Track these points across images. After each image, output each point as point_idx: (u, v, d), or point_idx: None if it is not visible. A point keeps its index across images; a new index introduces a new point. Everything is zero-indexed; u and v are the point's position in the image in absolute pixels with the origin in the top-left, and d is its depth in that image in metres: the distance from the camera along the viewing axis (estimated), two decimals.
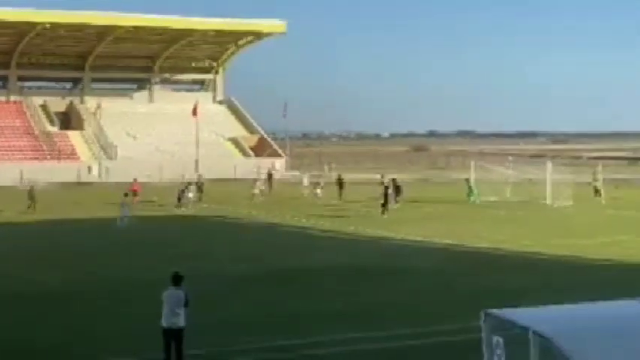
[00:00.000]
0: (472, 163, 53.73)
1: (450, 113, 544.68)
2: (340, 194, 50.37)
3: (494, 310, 9.58)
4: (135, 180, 50.89)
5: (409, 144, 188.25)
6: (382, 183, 43.51)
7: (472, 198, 48.45)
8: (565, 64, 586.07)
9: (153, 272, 23.05)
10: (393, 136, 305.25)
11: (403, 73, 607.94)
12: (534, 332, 8.64)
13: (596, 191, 50.15)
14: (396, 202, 44.24)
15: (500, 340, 9.25)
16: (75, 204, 49.34)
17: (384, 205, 40.54)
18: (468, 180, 51.09)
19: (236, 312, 19.19)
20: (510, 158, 56.95)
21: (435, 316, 18.58)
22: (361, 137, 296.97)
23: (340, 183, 51.66)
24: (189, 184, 48.48)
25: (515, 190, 49.79)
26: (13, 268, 25.86)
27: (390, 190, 43.12)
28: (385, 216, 39.42)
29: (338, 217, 40.56)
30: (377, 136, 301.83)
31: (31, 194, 43.80)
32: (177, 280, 14.14)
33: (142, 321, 17.15)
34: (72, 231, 36.11)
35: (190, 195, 45.98)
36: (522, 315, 9.37)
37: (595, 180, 51.16)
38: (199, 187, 49.89)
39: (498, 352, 9.26)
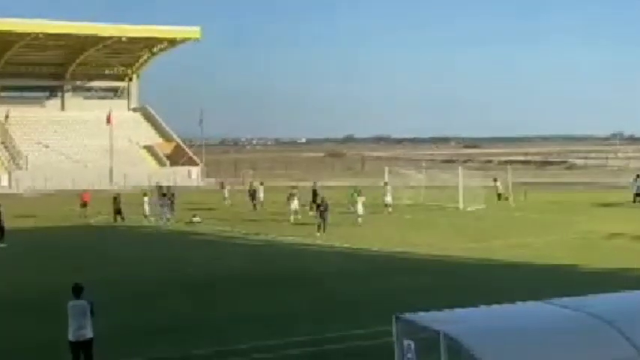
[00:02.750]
0: (386, 168, 54.52)
1: (367, 119, 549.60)
2: (254, 205, 49.18)
3: (406, 314, 9.83)
4: (85, 190, 49.04)
5: (325, 150, 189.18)
6: (313, 200, 39.29)
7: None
8: (474, 68, 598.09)
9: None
10: (309, 141, 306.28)
11: (319, 77, 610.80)
12: (445, 335, 8.90)
13: (499, 195, 51.84)
14: (311, 209, 43.77)
15: (412, 343, 9.49)
16: None
17: (321, 222, 36.10)
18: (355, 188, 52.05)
19: (147, 319, 19.12)
20: (424, 163, 58.03)
21: (345, 321, 18.73)
22: (279, 143, 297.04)
23: (253, 193, 50.32)
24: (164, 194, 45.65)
25: (428, 194, 50.75)
26: None
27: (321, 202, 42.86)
28: (319, 234, 35.20)
29: (251, 222, 40.90)
30: (294, 142, 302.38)
31: None
32: (77, 291, 13.98)
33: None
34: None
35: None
36: (433, 318, 9.63)
37: (497, 185, 53.16)
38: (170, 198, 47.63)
39: (409, 355, 9.50)
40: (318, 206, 37.33)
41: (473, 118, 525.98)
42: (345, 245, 32.37)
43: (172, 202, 44.37)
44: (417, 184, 53.25)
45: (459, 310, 10.49)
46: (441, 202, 48.31)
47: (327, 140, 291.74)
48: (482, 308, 10.76)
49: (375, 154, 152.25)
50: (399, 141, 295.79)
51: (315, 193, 45.72)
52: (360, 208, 39.25)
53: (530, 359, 8.58)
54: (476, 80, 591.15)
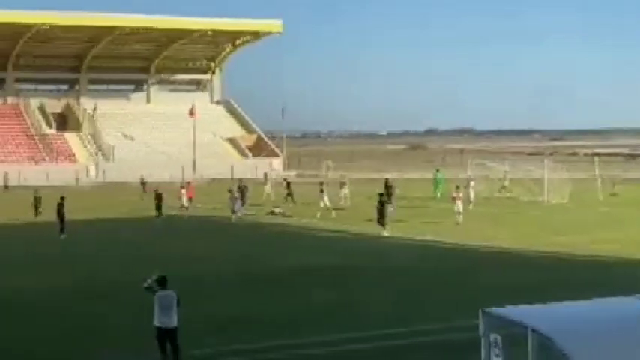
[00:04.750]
0: (469, 162, 53.78)
1: (450, 111, 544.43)
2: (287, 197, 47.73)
3: (492, 309, 9.58)
4: (189, 184, 48.21)
5: (407, 142, 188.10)
6: (381, 195, 35.19)
7: (438, 192, 48.71)
8: (563, 61, 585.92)
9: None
10: (390, 134, 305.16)
11: (402, 71, 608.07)
12: (533, 330, 8.63)
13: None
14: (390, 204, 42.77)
15: (499, 338, 9.25)
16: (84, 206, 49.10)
17: (382, 218, 33.95)
18: (437, 171, 51.64)
19: (232, 311, 19.21)
20: (508, 156, 57.08)
21: (432, 315, 18.56)
22: (359, 136, 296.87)
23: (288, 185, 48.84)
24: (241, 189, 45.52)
25: (512, 187, 49.93)
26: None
27: (390, 197, 42.18)
28: (386, 233, 33.27)
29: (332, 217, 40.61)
30: (375, 135, 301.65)
31: (37, 199, 41.80)
32: (162, 281, 14.43)
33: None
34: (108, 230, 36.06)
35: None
36: (520, 313, 9.36)
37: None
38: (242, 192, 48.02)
39: (496, 350, 9.26)
40: (381, 202, 34.56)
41: (558, 110, 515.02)
42: (427, 239, 32.02)
43: (243, 196, 45.14)
44: (500, 177, 52.39)
45: (547, 305, 10.17)
46: (525, 196, 47.41)
47: (408, 133, 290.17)
48: (571, 303, 10.42)
49: (458, 146, 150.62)
50: (482, 134, 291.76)
51: (388, 187, 44.79)
52: (459, 205, 36.77)
53: None
54: (561, 71, 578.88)
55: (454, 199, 37.03)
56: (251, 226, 38.77)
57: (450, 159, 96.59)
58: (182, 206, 43.59)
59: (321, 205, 40.70)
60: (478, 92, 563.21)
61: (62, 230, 33.79)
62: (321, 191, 41.49)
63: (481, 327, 9.51)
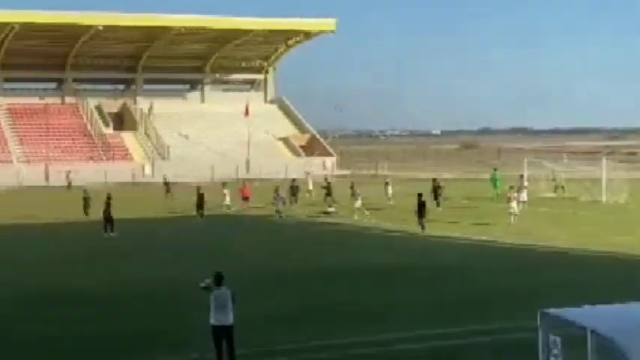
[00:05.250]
0: (525, 160, 53.08)
1: (504, 110, 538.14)
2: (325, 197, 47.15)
3: (551, 310, 9.44)
4: (244, 184, 47.81)
5: (460, 141, 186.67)
6: (420, 195, 34.14)
7: (496, 191, 48.22)
8: (616, 57, 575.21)
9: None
10: (444, 133, 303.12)
11: (456, 69, 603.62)
12: (592, 331, 8.48)
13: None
14: (438, 204, 42.23)
15: (557, 339, 9.10)
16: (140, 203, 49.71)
17: (421, 217, 33.51)
18: (495, 170, 51.29)
19: (281, 310, 19.25)
20: (564, 155, 56.20)
21: (488, 315, 18.38)
22: (413, 135, 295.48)
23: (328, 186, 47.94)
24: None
25: (569, 186, 49.20)
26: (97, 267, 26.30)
27: (438, 197, 41.90)
28: (424, 232, 33.16)
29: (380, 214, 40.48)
30: (428, 134, 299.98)
31: (87, 198, 41.80)
32: (219, 279, 14.36)
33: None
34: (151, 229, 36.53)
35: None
36: (579, 314, 9.21)
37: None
38: (293, 191, 47.75)
39: (555, 352, 9.12)
40: (420, 201, 33.87)
41: (616, 109, 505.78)
42: (482, 238, 31.70)
43: (295, 195, 45.03)
44: (556, 176, 51.65)
45: (606, 306, 9.99)
46: (583, 196, 46.67)
47: (461, 132, 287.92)
48: (631, 304, 10.21)
49: (513, 145, 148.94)
50: (539, 132, 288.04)
51: (435, 187, 44.22)
52: (514, 206, 36.00)
53: None
54: (617, 73, 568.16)
55: (509, 199, 36.60)
56: (297, 224, 38.79)
57: (506, 158, 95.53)
58: (225, 205, 43.69)
59: (356, 205, 40.72)
60: (533, 91, 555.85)
61: (107, 229, 33.77)
62: (352, 194, 41.42)
63: (540, 328, 9.37)
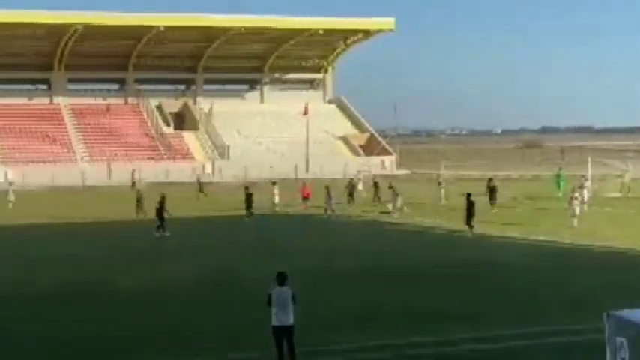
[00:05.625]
0: (589, 160, 52.01)
1: (566, 109, 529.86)
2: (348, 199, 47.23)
3: (617, 312, 9.16)
4: (304, 184, 47.21)
5: (521, 140, 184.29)
6: (469, 195, 33.09)
7: (559, 192, 47.37)
8: None
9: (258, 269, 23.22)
10: (505, 132, 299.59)
11: (516, 68, 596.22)
12: None
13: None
14: (491, 206, 41.42)
15: (625, 341, 8.82)
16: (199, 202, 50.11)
17: (469, 217, 32.64)
18: (560, 169, 50.65)
19: (341, 309, 19.14)
20: (629, 154, 54.98)
21: (551, 316, 18.04)
22: (473, 134, 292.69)
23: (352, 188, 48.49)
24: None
25: (635, 186, 48.11)
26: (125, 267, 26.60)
27: (493, 197, 41.30)
28: (471, 233, 32.27)
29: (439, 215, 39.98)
30: (489, 133, 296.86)
31: (140, 197, 41.65)
32: (281, 278, 14.29)
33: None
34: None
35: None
36: None
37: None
38: (350, 191, 47.58)
39: (622, 353, 8.84)
40: (469, 202, 32.90)
41: None
42: (541, 239, 31.12)
43: (352, 194, 44.98)
44: (621, 175, 50.56)
45: None
46: None
47: (523, 131, 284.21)
48: None
49: (575, 144, 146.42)
50: (601, 131, 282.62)
51: (490, 187, 43.37)
52: (575, 206, 34.83)
53: None
54: None
55: (571, 199, 35.85)
56: (348, 223, 38.64)
57: (569, 157, 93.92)
58: (274, 205, 43.62)
59: (398, 205, 40.46)
60: (596, 89, 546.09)
61: (159, 228, 33.72)
62: (395, 194, 41.15)
63: (606, 330, 9.10)
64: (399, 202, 40.81)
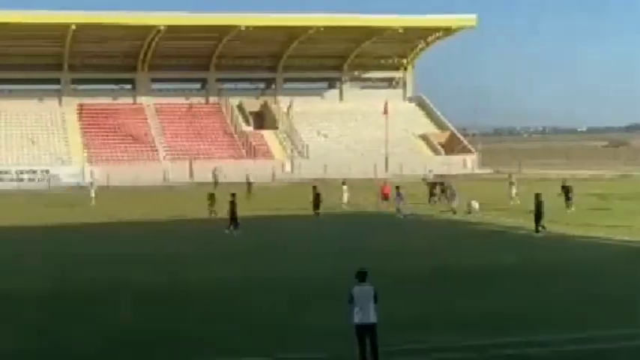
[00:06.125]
0: None
1: None
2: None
3: None
4: (384, 183, 46.15)
5: (607, 138, 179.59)
6: (537, 195, 32.16)
7: None
8: None
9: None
10: (590, 130, 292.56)
11: (600, 64, 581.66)
12: None
13: None
14: (567, 206, 39.98)
15: None
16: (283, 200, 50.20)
17: (538, 218, 31.69)
18: None
19: (420, 309, 18.80)
20: None
21: (634, 319, 17.38)
22: (557, 131, 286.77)
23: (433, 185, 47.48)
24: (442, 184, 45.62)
25: None
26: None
27: (568, 198, 39.94)
28: (539, 234, 31.34)
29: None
30: (573, 131, 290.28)
31: (211, 197, 41.50)
32: (362, 276, 14.12)
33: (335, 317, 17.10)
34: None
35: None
36: None
37: None
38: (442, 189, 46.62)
39: None
40: (538, 202, 31.92)
41: None
42: (626, 239, 29.89)
43: (445, 192, 44.32)
44: None
45: None
46: None
47: (609, 129, 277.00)
48: None
49: None
50: None
51: (565, 187, 41.87)
52: None
53: None
54: None
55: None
56: (419, 222, 37.97)
57: None
58: (343, 204, 43.26)
59: (454, 205, 39.83)
60: None
61: (231, 226, 33.75)
62: (450, 194, 40.25)
63: None
64: (456, 202, 40.17)
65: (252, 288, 22.03)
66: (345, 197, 43.74)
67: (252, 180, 55.29)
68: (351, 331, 14.03)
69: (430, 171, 56.95)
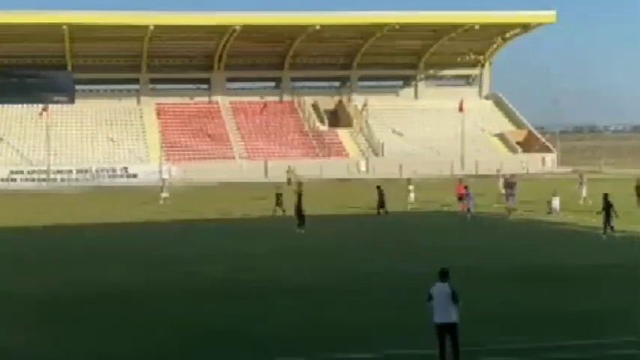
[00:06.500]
0: None
1: None
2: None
3: None
4: (460, 182, 44.58)
5: None
6: (605, 196, 30.97)
7: None
8: None
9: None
10: None
11: None
12: None
13: None
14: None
15: None
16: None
17: (607, 219, 30.61)
18: None
19: (496, 309, 18.38)
20: None
21: None
22: (639, 130, 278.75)
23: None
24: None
25: None
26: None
27: None
28: (606, 236, 30.28)
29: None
30: None
31: (279, 194, 41.17)
32: (443, 275, 14.07)
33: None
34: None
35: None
36: None
37: None
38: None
39: None
40: (606, 202, 30.89)
41: None
42: None
43: (512, 190, 43.43)
44: None
45: None
46: None
47: None
48: None
49: None
50: None
51: (638, 187, 40.48)
52: None
53: None
54: None
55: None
56: (483, 222, 37.08)
57: None
58: (409, 203, 42.61)
59: (510, 204, 39.01)
60: None
61: (300, 225, 33.48)
62: (509, 193, 39.44)
63: None
64: (512, 201, 39.23)
65: (343, 285, 21.84)
66: (412, 197, 43.20)
67: (289, 177, 54.11)
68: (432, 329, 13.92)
69: (498, 170, 55.69)
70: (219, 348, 15.80)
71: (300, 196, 34.50)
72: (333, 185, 59.73)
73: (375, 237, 32.47)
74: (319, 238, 31.78)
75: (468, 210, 38.79)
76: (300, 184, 37.39)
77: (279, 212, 39.83)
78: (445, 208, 42.06)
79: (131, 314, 18.91)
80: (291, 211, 35.90)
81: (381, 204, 39.79)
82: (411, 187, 43.47)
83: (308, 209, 34.96)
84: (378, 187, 40.96)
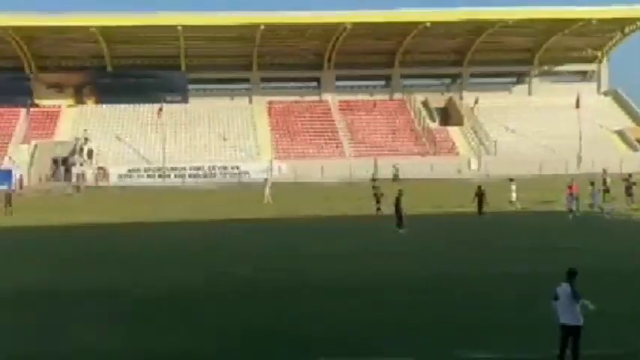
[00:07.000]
0: None
1: None
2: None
3: None
4: (572, 180, 42.00)
5: None
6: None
7: None
8: None
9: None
10: None
11: None
12: None
13: None
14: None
15: None
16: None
17: None
18: None
19: (622, 308, 17.47)
20: None
21: None
22: None
23: None
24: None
25: None
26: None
27: None
28: None
29: None
30: None
31: (378, 194, 40.26)
32: (569, 275, 13.60)
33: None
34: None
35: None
36: None
37: None
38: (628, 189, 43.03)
39: None
40: None
41: None
42: None
43: (630, 193, 41.38)
44: None
45: None
46: None
47: None
48: None
49: None
50: None
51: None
52: None
53: None
54: None
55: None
56: (587, 222, 35.14)
57: None
58: (511, 202, 41.05)
59: (594, 202, 37.38)
60: None
61: (399, 225, 32.42)
62: (594, 190, 37.64)
63: None
64: (596, 201, 37.72)
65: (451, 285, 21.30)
66: (514, 196, 41.84)
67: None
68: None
69: (604, 170, 53.25)
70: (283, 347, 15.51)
71: (399, 196, 33.60)
72: (440, 184, 58.55)
73: (464, 237, 30.98)
74: (407, 239, 30.70)
75: (571, 210, 37.16)
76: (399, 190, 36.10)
77: (379, 211, 39.20)
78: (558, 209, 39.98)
79: (203, 313, 18.60)
80: (389, 211, 35.13)
81: (480, 203, 38.49)
82: (513, 187, 42.11)
83: (408, 209, 33.96)
84: (479, 187, 39.82)
